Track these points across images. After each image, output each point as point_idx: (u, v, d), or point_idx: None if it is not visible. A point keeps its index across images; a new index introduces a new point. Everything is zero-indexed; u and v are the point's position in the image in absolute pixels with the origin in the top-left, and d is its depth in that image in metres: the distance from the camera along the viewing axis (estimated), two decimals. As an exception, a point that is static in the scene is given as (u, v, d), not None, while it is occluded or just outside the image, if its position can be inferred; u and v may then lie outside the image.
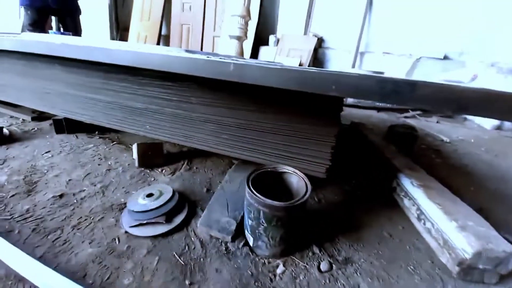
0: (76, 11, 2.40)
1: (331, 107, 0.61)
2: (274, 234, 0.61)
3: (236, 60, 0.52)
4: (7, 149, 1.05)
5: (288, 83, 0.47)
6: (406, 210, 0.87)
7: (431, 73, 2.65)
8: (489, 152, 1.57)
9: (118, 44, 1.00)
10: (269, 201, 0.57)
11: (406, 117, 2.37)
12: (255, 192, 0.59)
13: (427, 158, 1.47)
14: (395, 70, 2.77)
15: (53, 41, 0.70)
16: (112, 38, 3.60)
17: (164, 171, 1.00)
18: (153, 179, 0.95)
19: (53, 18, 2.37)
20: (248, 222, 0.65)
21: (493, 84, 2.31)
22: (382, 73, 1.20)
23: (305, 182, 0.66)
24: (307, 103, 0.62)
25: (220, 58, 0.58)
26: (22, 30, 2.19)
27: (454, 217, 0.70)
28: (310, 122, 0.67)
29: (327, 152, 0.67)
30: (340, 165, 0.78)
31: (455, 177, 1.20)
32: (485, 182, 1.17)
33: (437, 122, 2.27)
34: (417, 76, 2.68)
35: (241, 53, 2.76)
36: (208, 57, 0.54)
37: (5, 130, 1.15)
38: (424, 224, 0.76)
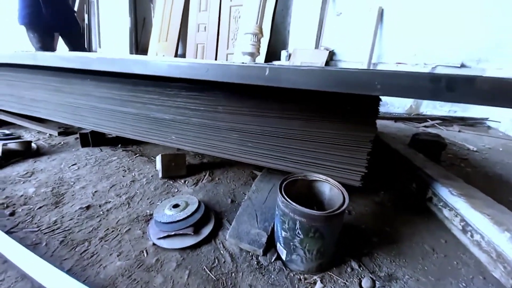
0: (77, 26, 2.45)
1: (367, 110, 0.59)
2: (311, 247, 0.57)
3: (270, 64, 0.52)
4: (34, 162, 1.08)
5: (330, 85, 0.46)
6: (446, 222, 0.80)
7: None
8: (524, 161, 1.48)
9: (148, 57, 1.04)
10: (307, 210, 0.54)
11: (425, 126, 2.29)
12: (290, 200, 0.56)
13: (456, 167, 1.39)
14: (410, 79, 2.73)
15: (89, 56, 0.73)
16: (131, 58, 3.80)
17: (187, 182, 0.99)
18: (176, 190, 0.94)
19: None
20: (281, 233, 0.62)
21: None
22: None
23: (341, 190, 0.62)
24: (341, 107, 0.60)
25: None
26: None
27: (506, 227, 0.64)
28: (343, 127, 0.64)
29: (363, 159, 0.64)
30: (368, 174, 0.74)
31: (490, 186, 1.12)
32: (527, 192, 1.08)
33: (459, 131, 2.18)
34: (433, 85, 2.63)
35: (254, 68, 2.82)
36: (243, 62, 0.54)
37: (33, 144, 1.19)
38: (472, 236, 0.69)
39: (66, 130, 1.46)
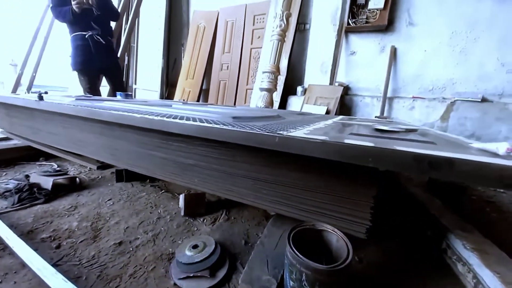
0: (120, 71, 2.90)
1: (369, 171, 0.66)
2: (317, 299, 0.61)
3: (280, 134, 0.62)
4: (77, 196, 1.25)
5: (330, 155, 0.55)
6: (462, 278, 0.79)
7: (469, 117, 2.55)
8: (559, 207, 1.38)
9: (185, 108, 1.21)
10: (312, 263, 0.59)
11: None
12: (297, 253, 0.62)
13: (480, 212, 1.33)
14: (428, 115, 2.72)
15: (134, 115, 0.90)
16: (162, 93, 4.23)
17: (205, 220, 1.08)
18: (196, 228, 1.03)
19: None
20: (289, 283, 0.66)
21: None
22: (416, 129, 1.23)
23: (345, 243, 0.67)
24: (346, 167, 0.68)
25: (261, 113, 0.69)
26: (84, 93, 2.69)
27: (521, 291, 0.63)
28: (347, 183, 0.71)
29: (366, 213, 0.69)
30: (380, 219, 0.77)
31: (518, 237, 1.06)
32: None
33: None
34: (454, 120, 2.60)
35: (271, 103, 3.01)
36: (257, 130, 0.65)
37: (77, 179, 1.38)
38: (486, 297, 0.68)
39: (103, 165, 1.66)
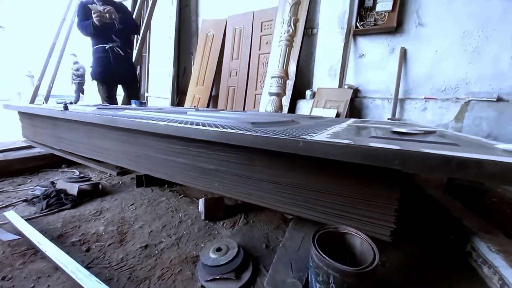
0: (136, 80, 3.03)
1: (393, 172, 0.67)
2: (345, 301, 0.62)
3: (304, 138, 0.64)
4: (101, 201, 1.30)
5: (354, 158, 0.56)
6: (487, 280, 0.78)
7: (484, 117, 2.49)
8: None
9: (201, 115, 1.25)
10: (340, 266, 0.60)
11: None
12: (324, 255, 0.63)
13: (502, 214, 1.30)
14: (442, 115, 2.68)
15: (159, 123, 0.94)
16: (173, 100, 4.33)
17: (225, 224, 1.10)
18: (216, 232, 1.05)
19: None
20: (315, 285, 0.67)
21: None
22: (435, 131, 1.22)
23: (371, 246, 0.67)
24: (367, 167, 0.69)
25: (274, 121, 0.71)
26: (102, 101, 2.81)
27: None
28: (370, 185, 0.72)
29: (391, 215, 0.70)
30: (401, 222, 0.77)
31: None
32: None
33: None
34: (468, 120, 2.55)
35: (280, 107, 3.03)
36: (280, 135, 0.67)
37: (100, 185, 1.43)
38: (517, 300, 0.67)
39: (122, 170, 1.72)
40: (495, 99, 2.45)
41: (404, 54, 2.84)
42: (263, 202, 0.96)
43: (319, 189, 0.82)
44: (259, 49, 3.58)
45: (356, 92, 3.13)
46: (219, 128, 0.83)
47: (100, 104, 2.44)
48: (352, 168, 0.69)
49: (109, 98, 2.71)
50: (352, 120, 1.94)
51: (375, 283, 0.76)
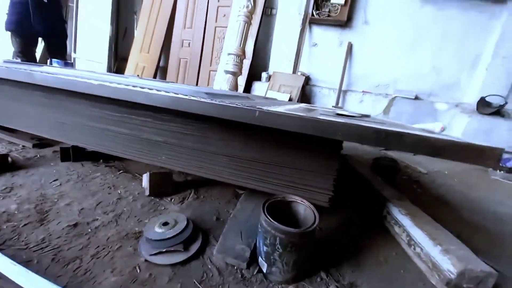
0: (64, 36, 2.50)
1: (333, 145, 0.74)
2: (288, 260, 0.68)
3: (260, 108, 0.64)
4: (12, 176, 1.05)
5: (305, 129, 0.59)
6: (397, 237, 0.97)
7: (405, 111, 2.99)
8: (462, 184, 1.77)
9: (147, 83, 1.10)
10: (286, 228, 0.65)
11: (386, 149, 2.60)
12: (272, 220, 0.67)
13: (409, 188, 1.63)
14: (374, 107, 3.09)
15: (90, 81, 0.79)
16: (110, 66, 3.72)
17: (173, 200, 1.05)
18: (163, 208, 0.99)
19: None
20: (263, 248, 0.72)
21: (458, 122, 2.66)
22: (369, 115, 1.39)
23: (312, 211, 0.75)
24: (313, 142, 0.74)
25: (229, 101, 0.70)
26: (13, 57, 2.25)
27: (439, 241, 0.81)
28: (315, 158, 0.78)
29: (330, 184, 0.78)
30: (337, 193, 0.89)
31: (434, 206, 1.34)
32: (460, 212, 1.32)
33: (414, 154, 2.51)
34: (393, 113, 3.01)
35: (236, 87, 2.97)
36: (237, 105, 0.65)
37: (9, 158, 1.15)
38: (414, 249, 0.86)
39: (41, 142, 1.42)
40: (413, 97, 2.96)
41: (350, 48, 3.11)
42: (217, 175, 0.94)
43: (271, 162, 0.85)
44: (216, 21, 3.36)
45: (307, 80, 3.30)
46: (169, 93, 0.76)
47: (9, 60, 1.91)
48: (302, 141, 0.74)
49: (24, 54, 2.14)
50: (303, 104, 2.06)
51: (314, 243, 0.86)
